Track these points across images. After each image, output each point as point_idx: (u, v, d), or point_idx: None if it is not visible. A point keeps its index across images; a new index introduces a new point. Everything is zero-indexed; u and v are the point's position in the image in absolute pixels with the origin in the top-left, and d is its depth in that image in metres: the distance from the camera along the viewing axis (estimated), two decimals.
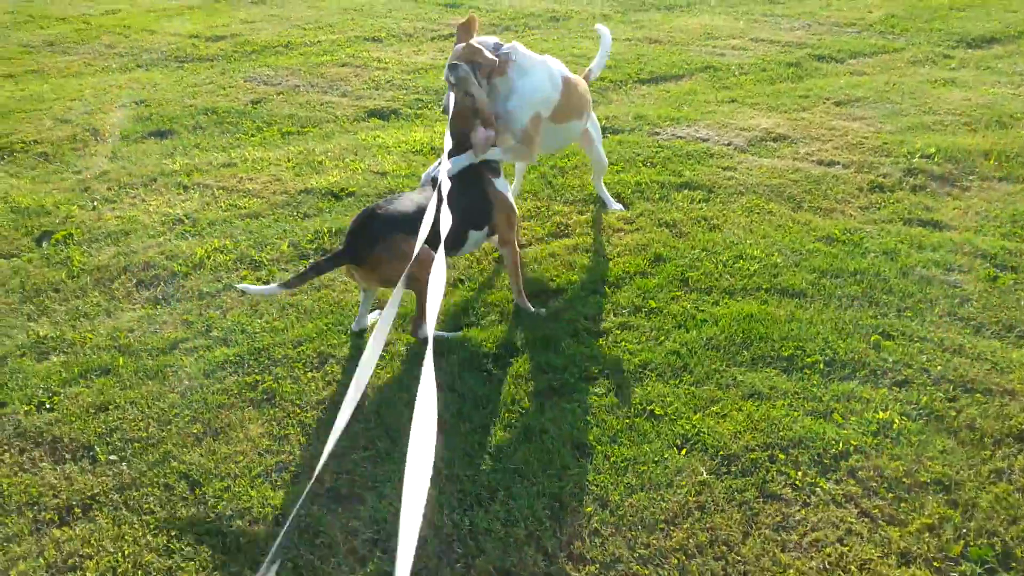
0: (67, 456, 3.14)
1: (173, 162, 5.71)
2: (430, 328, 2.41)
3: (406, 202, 3.51)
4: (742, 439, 3.12)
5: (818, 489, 2.91)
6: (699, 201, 4.97)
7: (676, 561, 2.65)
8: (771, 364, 3.54)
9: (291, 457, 3.09)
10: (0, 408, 3.39)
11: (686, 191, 5.08)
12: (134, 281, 4.27)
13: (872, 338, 3.66)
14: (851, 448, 3.06)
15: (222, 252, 4.49)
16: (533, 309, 3.93)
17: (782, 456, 3.04)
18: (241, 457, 3.09)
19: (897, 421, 3.19)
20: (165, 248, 4.56)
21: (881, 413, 3.23)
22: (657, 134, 5.95)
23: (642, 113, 6.31)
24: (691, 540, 2.72)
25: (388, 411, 3.29)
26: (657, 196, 5.01)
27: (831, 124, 6.03)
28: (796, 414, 3.24)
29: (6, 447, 3.18)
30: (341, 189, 5.16)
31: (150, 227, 4.80)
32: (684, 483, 2.93)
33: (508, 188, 3.91)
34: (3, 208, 5.09)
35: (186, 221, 4.87)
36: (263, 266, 4.37)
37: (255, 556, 2.69)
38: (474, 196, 3.71)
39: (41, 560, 2.69)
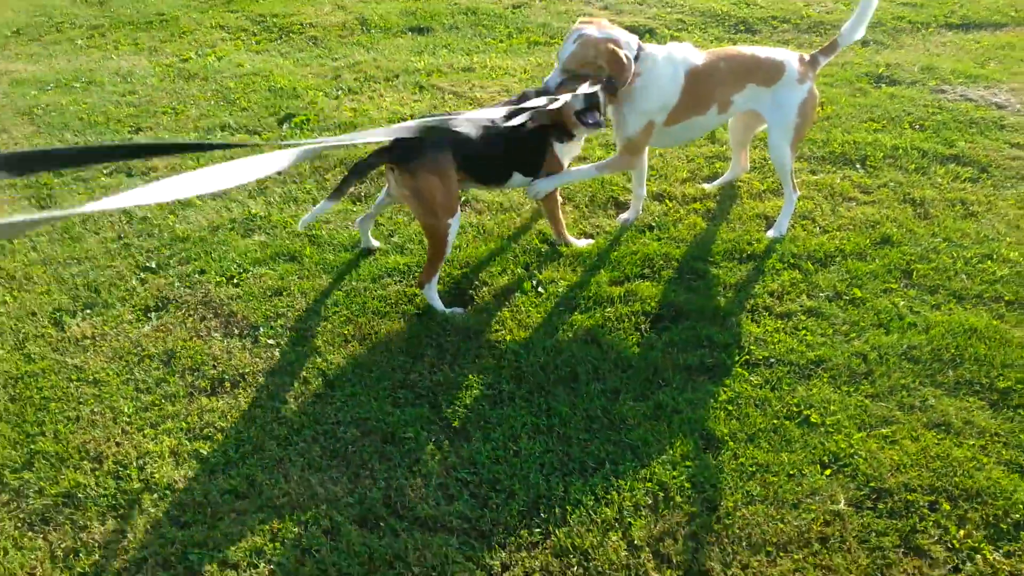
0: (235, 331, 3.41)
1: (419, 60, 5.85)
2: None
3: (468, 125, 3.33)
4: (904, 474, 2.63)
5: (979, 557, 2.39)
6: (964, 180, 4.17)
7: None
8: (978, 394, 2.93)
9: (419, 378, 3.11)
10: (200, 275, 3.74)
11: (952, 165, 4.28)
12: (343, 170, 4.47)
13: None
14: None
15: None
16: (578, 244, 3.79)
17: (947, 506, 2.53)
18: (375, 368, 3.16)
19: None
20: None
21: None
22: (943, 91, 5.04)
23: (933, 65, 5.38)
24: (797, 574, 2.37)
25: (525, 354, 3.17)
26: (913, 167, 4.27)
27: None
28: (986, 460, 2.67)
29: (192, 312, 3.52)
30: None
31: (377, 122, 4.98)
32: (814, 507, 2.55)
33: (570, 153, 3.67)
34: (263, 86, 5.54)
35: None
36: None
37: (359, 462, 2.76)
38: (530, 146, 3.53)
39: (183, 423, 2.97)
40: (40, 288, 3.70)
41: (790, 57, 3.59)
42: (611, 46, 3.36)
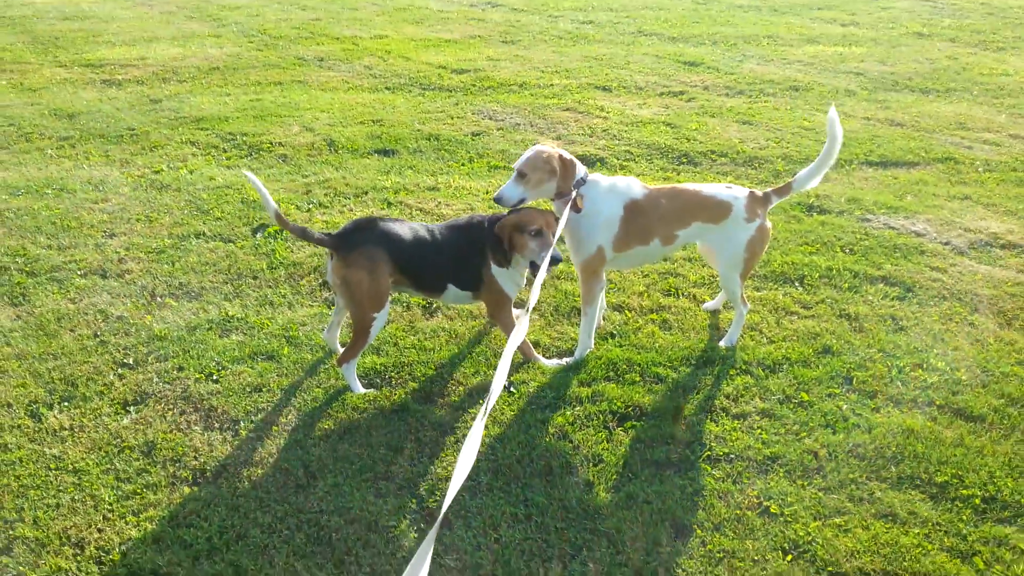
0: (216, 425, 3.49)
1: (386, 179, 6.18)
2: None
3: (406, 229, 3.63)
4: (859, 559, 2.83)
5: None
6: (893, 298, 4.58)
7: None
8: (919, 487, 3.19)
9: (400, 470, 3.23)
10: (179, 372, 3.84)
11: (881, 285, 4.71)
12: (320, 281, 4.67)
13: None
14: None
15: None
16: (552, 363, 3.93)
17: None
18: (357, 460, 3.27)
19: None
20: None
21: None
22: (868, 221, 5.57)
23: (858, 197, 5.94)
24: None
25: (501, 448, 3.34)
26: (846, 285, 4.69)
27: None
28: (930, 547, 2.89)
29: (172, 406, 3.60)
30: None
31: None
32: None
33: (512, 281, 3.79)
34: (236, 198, 5.77)
35: None
36: None
37: (344, 549, 2.83)
38: (465, 260, 3.74)
39: (166, 512, 3.01)
40: (15, 381, 3.74)
41: (739, 195, 3.88)
42: (560, 154, 3.74)
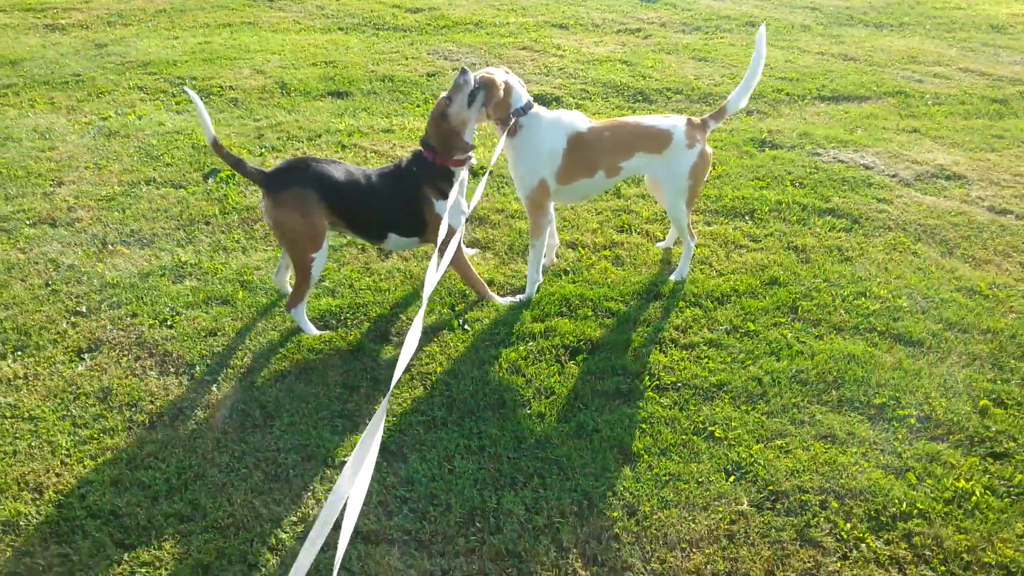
0: (171, 369, 3.51)
1: (340, 121, 6.12)
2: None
3: (341, 172, 3.61)
4: (798, 478, 2.97)
5: (863, 545, 2.72)
6: (839, 230, 4.69)
7: None
8: (858, 409, 3.32)
9: (355, 407, 3.29)
10: (132, 318, 3.83)
11: (828, 217, 4.81)
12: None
13: (981, 403, 3.34)
14: (915, 511, 2.84)
15: None
16: (506, 300, 3.98)
17: (835, 504, 2.87)
18: (313, 399, 3.32)
19: (979, 493, 2.91)
20: None
21: (963, 482, 2.96)
22: (818, 155, 5.65)
23: (809, 131, 6.01)
24: (708, 567, 2.65)
25: (455, 383, 3.40)
26: (795, 218, 4.78)
27: (1019, 169, 5.47)
28: (867, 465, 3.04)
29: (126, 353, 3.60)
30: (480, 167, 5.33)
31: None
32: (720, 509, 2.85)
33: (457, 208, 3.73)
34: (186, 143, 5.69)
35: None
36: None
37: (301, 485, 2.90)
38: (403, 206, 3.70)
39: (124, 455, 3.04)
40: None
41: (677, 123, 3.92)
42: (502, 79, 3.73)
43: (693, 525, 2.79)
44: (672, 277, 4.19)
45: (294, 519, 2.78)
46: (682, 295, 4.03)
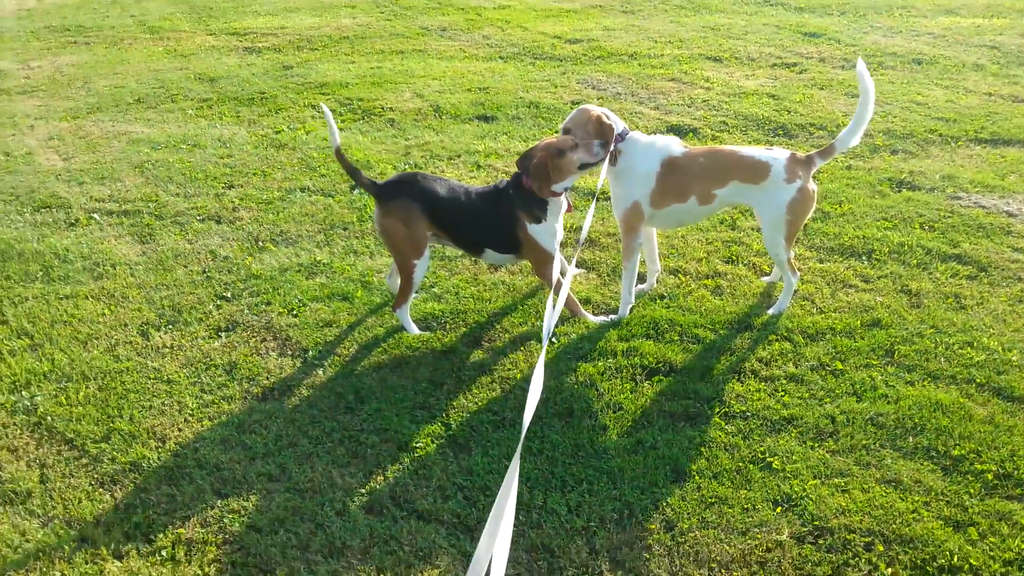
0: (289, 352, 3.97)
1: (481, 143, 6.53)
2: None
3: (444, 188, 3.93)
4: (848, 517, 2.95)
5: None
6: (963, 277, 4.50)
7: None
8: (932, 459, 3.23)
9: (437, 402, 3.59)
10: (266, 306, 4.35)
11: (953, 263, 4.62)
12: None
13: None
14: (967, 565, 2.75)
15: None
16: (597, 319, 4.15)
17: (881, 547, 2.84)
18: (401, 391, 3.66)
19: None
20: None
21: None
22: (958, 199, 5.40)
23: (954, 174, 5.75)
24: None
25: (524, 391, 3.63)
26: (915, 262, 4.63)
27: None
28: (926, 514, 2.97)
29: (255, 335, 4.11)
30: (603, 192, 5.53)
31: None
32: (759, 536, 2.89)
33: (549, 233, 3.95)
34: None
35: None
36: None
37: (375, 463, 3.23)
38: (497, 226, 3.95)
39: (236, 420, 3.51)
40: (133, 306, 4.37)
41: (779, 156, 3.95)
42: (599, 114, 3.96)
43: (727, 547, 2.85)
44: (770, 311, 4.20)
45: (363, 491, 3.11)
46: (774, 329, 4.04)
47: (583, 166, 3.90)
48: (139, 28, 11.17)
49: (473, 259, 4.75)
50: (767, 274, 4.59)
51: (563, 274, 4.04)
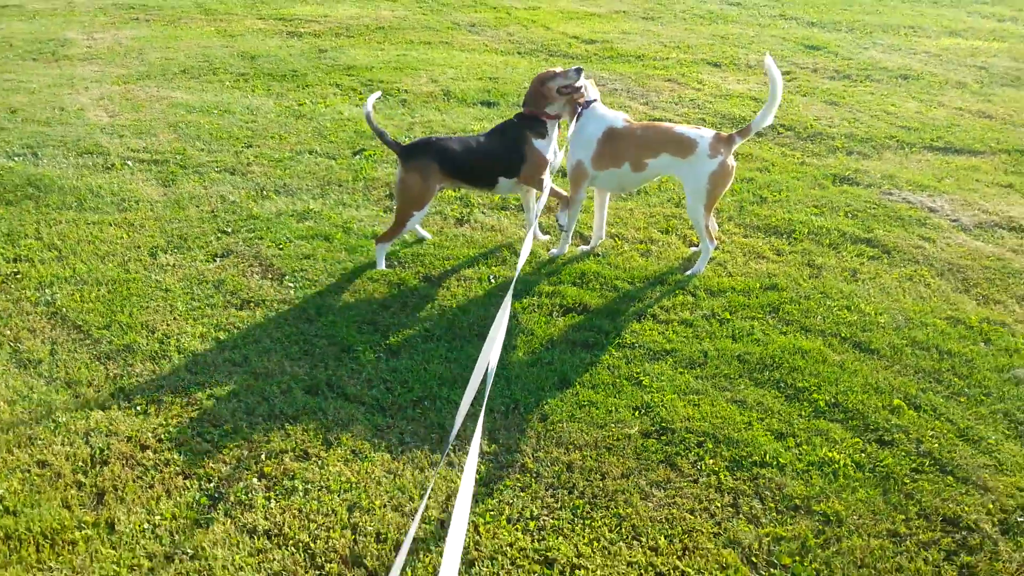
0: (269, 276, 4.74)
1: (477, 125, 7.26)
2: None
3: (456, 143, 4.74)
4: (691, 423, 3.59)
5: (715, 477, 3.32)
6: (866, 257, 5.07)
7: (557, 468, 3.35)
8: (781, 389, 3.85)
9: (381, 319, 4.31)
10: (259, 240, 5.14)
11: (862, 245, 5.19)
12: (386, 192, 5.84)
13: (895, 401, 3.74)
14: (775, 462, 3.38)
15: (453, 190, 5.85)
16: (541, 235, 5.06)
17: (710, 445, 3.48)
18: (354, 309, 4.40)
19: (843, 463, 3.38)
20: None
21: (835, 453, 3.44)
22: (890, 195, 5.95)
23: (895, 174, 6.29)
24: (580, 461, 3.38)
25: (461, 315, 4.34)
26: (828, 242, 5.22)
27: None
28: (757, 426, 3.59)
29: (244, 261, 4.89)
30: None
31: None
32: (613, 430, 3.55)
33: (549, 147, 4.81)
34: (351, 128, 7.08)
35: None
36: (472, 206, 5.63)
37: (320, 359, 3.97)
38: (510, 147, 4.76)
39: (215, 321, 4.29)
40: (148, 233, 5.19)
41: (705, 135, 4.63)
42: (585, 76, 4.79)
43: (585, 436, 3.52)
44: (687, 272, 4.84)
45: (305, 378, 3.85)
46: (683, 285, 4.68)
47: (562, 89, 4.71)
48: (196, 9, 12.15)
49: (443, 214, 5.47)
50: (695, 245, 5.22)
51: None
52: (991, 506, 3.19)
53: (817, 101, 8.05)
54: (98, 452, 3.38)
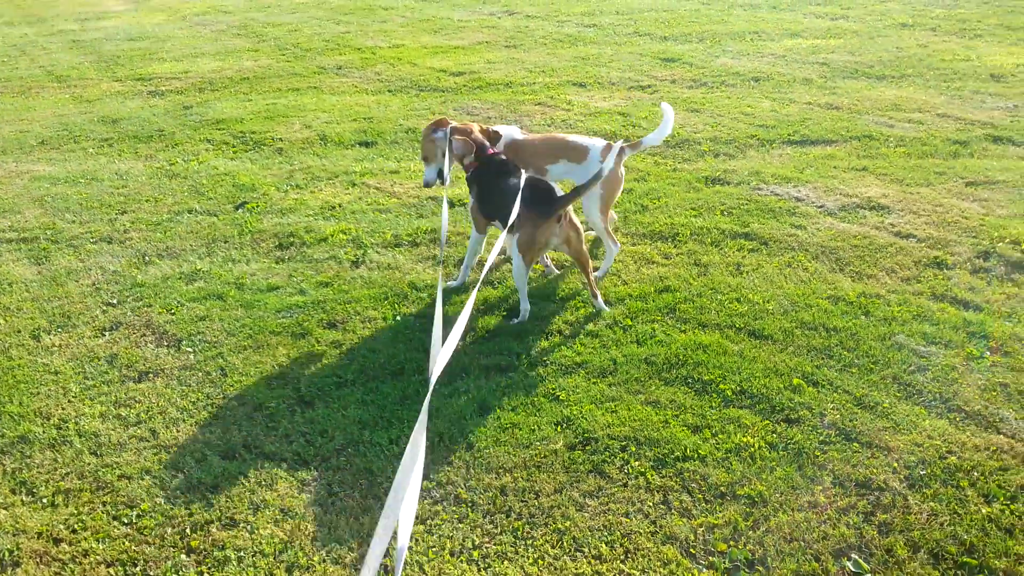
0: (165, 344, 4.58)
1: (358, 165, 7.25)
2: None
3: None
4: (611, 429, 3.70)
5: (642, 478, 3.43)
6: (748, 251, 5.36)
7: (491, 494, 3.38)
8: (689, 384, 4.02)
9: (290, 371, 4.25)
10: (148, 308, 4.96)
11: (741, 240, 5.49)
12: (275, 243, 5.75)
13: (794, 380, 3.98)
14: (696, 455, 3.53)
15: (344, 233, 5.83)
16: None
17: (633, 448, 3.59)
18: (260, 365, 4.31)
19: (758, 446, 3.56)
20: (309, 225, 6.01)
21: (748, 438, 3.62)
22: (759, 189, 6.32)
23: (761, 170, 6.69)
24: (512, 484, 3.42)
25: (372, 355, 4.32)
26: (710, 240, 5.49)
27: (943, 201, 5.97)
28: (674, 423, 3.74)
29: (136, 331, 4.71)
30: (461, 201, 6.30)
31: (310, 209, 6.30)
32: (539, 447, 3.62)
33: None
34: (229, 183, 6.93)
35: (336, 208, 6.31)
36: (365, 247, 5.62)
37: (233, 421, 3.86)
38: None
39: (113, 398, 4.11)
40: (27, 315, 4.92)
41: (596, 144, 4.99)
42: (474, 128, 4.90)
43: (513, 458, 3.57)
44: (596, 274, 5.00)
45: (219, 443, 3.74)
46: (584, 298, 4.82)
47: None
48: (47, 77, 11.63)
49: (338, 259, 5.44)
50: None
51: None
52: (895, 464, 3.44)
53: (680, 109, 8.46)
54: (7, 554, 3.18)
